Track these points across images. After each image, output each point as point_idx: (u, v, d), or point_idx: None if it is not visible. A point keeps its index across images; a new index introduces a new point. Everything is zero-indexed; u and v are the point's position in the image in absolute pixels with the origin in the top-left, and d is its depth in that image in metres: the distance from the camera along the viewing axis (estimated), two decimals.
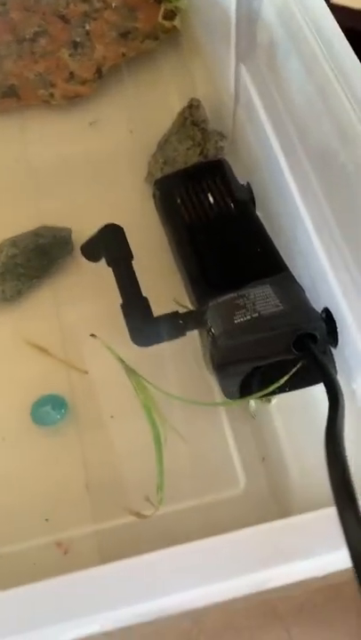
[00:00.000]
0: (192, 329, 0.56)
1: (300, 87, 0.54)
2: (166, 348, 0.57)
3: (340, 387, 0.46)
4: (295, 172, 0.57)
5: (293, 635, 0.56)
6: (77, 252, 0.64)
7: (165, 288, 0.61)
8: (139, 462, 0.57)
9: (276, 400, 0.59)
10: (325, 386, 0.47)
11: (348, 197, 0.50)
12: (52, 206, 0.70)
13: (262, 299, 0.54)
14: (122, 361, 0.55)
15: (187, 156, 0.68)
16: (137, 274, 0.58)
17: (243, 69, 0.64)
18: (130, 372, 0.54)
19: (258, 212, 0.63)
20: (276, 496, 0.56)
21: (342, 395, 0.45)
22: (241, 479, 0.57)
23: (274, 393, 0.53)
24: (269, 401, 0.58)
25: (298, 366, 0.52)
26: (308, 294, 0.56)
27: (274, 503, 0.55)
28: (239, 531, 0.43)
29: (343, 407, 0.44)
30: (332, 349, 0.54)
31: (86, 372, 0.61)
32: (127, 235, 0.60)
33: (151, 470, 0.53)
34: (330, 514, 0.34)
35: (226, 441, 0.58)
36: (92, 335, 0.56)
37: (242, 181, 0.65)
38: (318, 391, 0.55)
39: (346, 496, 0.33)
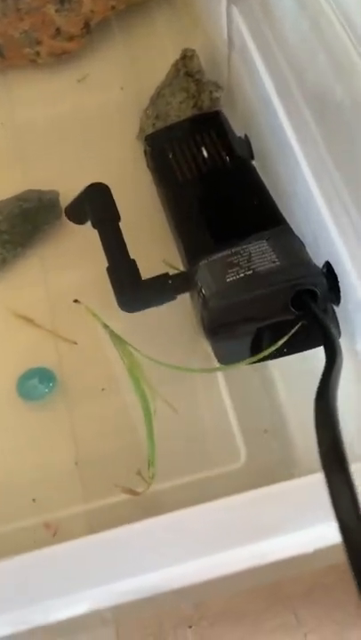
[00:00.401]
0: (183, 291, 0.52)
1: (294, 23, 0.50)
2: (157, 314, 0.53)
3: (339, 346, 0.42)
4: (292, 116, 0.52)
5: (301, 617, 0.52)
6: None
7: (158, 251, 0.57)
8: (132, 437, 0.53)
9: (278, 365, 0.54)
10: (324, 343, 0.42)
11: (346, 137, 0.46)
12: (39, 170, 0.65)
13: (258, 255, 0.49)
14: (106, 327, 0.51)
15: (180, 110, 0.64)
16: (127, 236, 0.54)
17: (235, 11, 0.59)
18: (115, 338, 0.50)
19: (256, 166, 0.58)
20: (279, 470, 0.51)
21: (341, 355, 0.41)
22: (242, 452, 0.52)
23: (271, 357, 0.49)
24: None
25: (297, 327, 0.47)
26: (308, 250, 0.51)
27: (277, 478, 0.51)
28: (236, 496, 0.38)
29: (340, 367, 0.39)
30: (335, 308, 0.49)
31: (75, 343, 0.57)
32: (118, 196, 0.56)
33: (144, 446, 0.49)
34: None
35: (225, 412, 0.54)
36: (76, 301, 0.52)
37: (239, 134, 0.61)
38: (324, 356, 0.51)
39: (335, 460, 0.29)
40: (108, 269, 0.52)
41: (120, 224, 0.54)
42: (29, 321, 0.58)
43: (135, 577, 0.36)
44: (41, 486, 0.52)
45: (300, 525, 0.34)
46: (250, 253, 0.49)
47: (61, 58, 0.71)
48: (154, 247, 0.57)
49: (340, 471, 0.28)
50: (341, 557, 0.41)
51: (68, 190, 0.59)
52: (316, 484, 0.31)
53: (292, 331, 0.47)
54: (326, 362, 0.40)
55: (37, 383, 0.55)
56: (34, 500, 0.52)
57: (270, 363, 0.54)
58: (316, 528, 0.34)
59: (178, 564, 0.35)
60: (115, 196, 0.55)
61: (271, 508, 0.35)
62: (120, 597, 0.38)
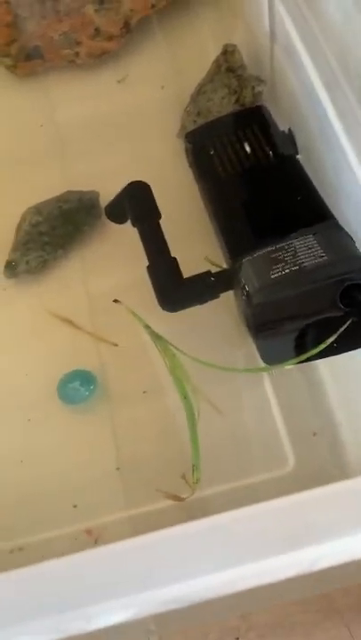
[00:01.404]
0: (226, 290, 0.50)
1: (338, 4, 0.48)
2: (199, 314, 0.51)
3: None
4: (337, 104, 0.50)
5: (355, 631, 0.49)
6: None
7: (200, 250, 0.55)
8: (175, 441, 0.51)
9: (327, 365, 0.52)
10: None
11: None
12: (79, 171, 0.64)
13: (304, 250, 0.47)
14: (147, 327, 0.49)
15: (222, 106, 0.62)
16: (168, 234, 0.52)
17: (276, 2, 0.57)
18: (156, 337, 0.49)
19: (301, 160, 0.56)
20: (330, 475, 0.49)
21: None
22: (290, 456, 0.50)
23: (319, 356, 0.47)
24: None
25: (347, 323, 0.45)
26: (358, 244, 0.49)
27: (328, 482, 0.49)
28: (284, 498, 0.35)
29: None
30: None
31: (116, 345, 0.55)
32: (159, 194, 0.54)
33: (188, 450, 0.48)
34: None
35: (271, 414, 0.52)
36: (116, 301, 0.50)
37: (283, 128, 0.59)
38: None
39: None
40: (149, 268, 0.51)
41: (161, 222, 0.53)
42: (70, 323, 0.57)
43: (178, 583, 0.34)
44: (82, 492, 0.51)
45: (353, 530, 0.31)
46: (295, 249, 0.47)
47: (101, 58, 0.70)
48: (196, 245, 0.56)
49: None
50: None
51: (109, 191, 0.58)
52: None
53: (342, 328, 0.45)
54: None
55: (78, 386, 0.54)
56: (75, 506, 0.50)
57: (318, 362, 0.52)
58: None
59: (222, 570, 0.33)
60: (156, 195, 0.54)
61: (322, 511, 0.33)
62: (162, 605, 0.36)
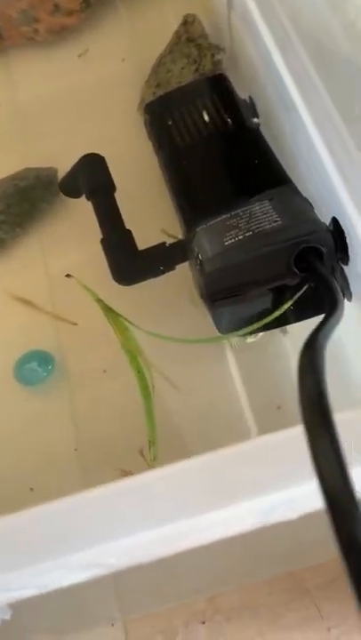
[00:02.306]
0: (181, 261, 0.49)
1: None
2: (159, 290, 0.49)
3: (341, 300, 0.38)
4: (293, 70, 0.48)
5: (325, 611, 0.47)
6: None
7: (159, 223, 0.53)
8: (134, 420, 0.49)
9: (291, 337, 0.50)
10: (325, 296, 0.38)
11: (348, 79, 0.42)
12: (40, 149, 0.63)
13: (260, 216, 0.45)
14: (99, 300, 0.48)
15: (181, 76, 0.60)
16: (127, 209, 0.50)
17: None
18: (108, 311, 0.47)
19: (261, 128, 0.54)
20: None
21: (341, 309, 0.37)
22: (253, 431, 0.48)
23: (278, 324, 0.45)
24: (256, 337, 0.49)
25: (304, 289, 0.43)
26: (316, 210, 0.47)
27: None
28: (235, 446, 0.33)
29: (336, 321, 0.35)
30: (345, 269, 0.45)
31: (75, 324, 0.54)
32: (120, 169, 0.53)
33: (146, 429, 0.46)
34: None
35: (234, 388, 0.50)
36: (68, 275, 0.49)
37: (244, 96, 0.57)
38: (341, 330, 0.47)
39: (319, 418, 0.25)
40: (102, 241, 0.49)
41: (119, 196, 0.51)
42: (28, 303, 0.55)
43: (128, 536, 0.32)
44: (39, 475, 0.49)
45: (289, 482, 0.29)
46: (250, 215, 0.46)
47: (61, 34, 0.68)
48: (155, 219, 0.54)
49: (323, 425, 0.24)
50: None
51: (69, 167, 0.56)
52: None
53: (299, 293, 0.43)
54: (325, 315, 0.36)
55: (36, 367, 0.52)
56: (31, 489, 0.48)
57: (282, 336, 0.50)
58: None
59: (170, 523, 0.31)
60: (116, 170, 0.52)
61: (259, 463, 0.30)
62: (117, 560, 0.34)
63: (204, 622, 0.48)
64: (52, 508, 0.33)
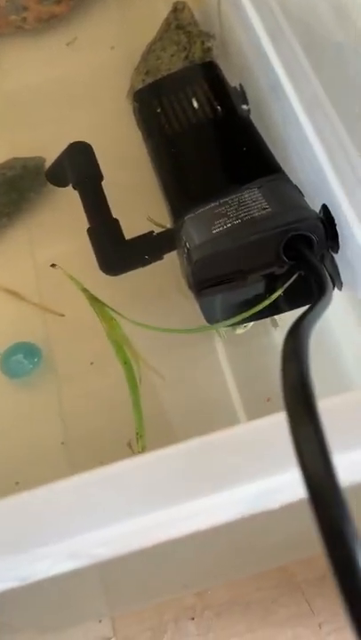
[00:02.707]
0: (169, 250, 0.48)
1: None
2: (148, 281, 0.49)
3: (330, 288, 0.37)
4: (283, 56, 0.47)
5: (316, 607, 0.46)
6: None
7: (147, 213, 0.52)
8: (122, 413, 0.48)
9: (281, 329, 0.49)
10: (316, 287, 0.37)
11: (339, 67, 0.41)
12: (28, 138, 0.62)
13: (249, 203, 0.44)
14: (85, 290, 0.47)
15: (171, 63, 0.59)
16: (115, 198, 0.49)
17: None
18: (93, 301, 0.46)
19: (251, 116, 0.53)
20: None
21: (329, 297, 0.36)
22: (242, 422, 0.47)
23: (268, 314, 0.44)
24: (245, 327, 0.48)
25: (294, 277, 0.42)
26: (306, 198, 0.46)
27: None
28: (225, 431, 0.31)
29: (323, 307, 0.34)
30: (335, 257, 0.44)
31: (63, 316, 0.53)
32: (109, 158, 0.51)
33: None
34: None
35: (224, 380, 0.49)
36: (53, 265, 0.48)
37: (234, 84, 0.56)
38: (332, 318, 0.46)
39: (302, 406, 0.24)
40: (89, 230, 0.48)
41: (107, 185, 0.50)
42: (14, 294, 0.54)
43: (109, 526, 0.30)
44: (25, 469, 0.48)
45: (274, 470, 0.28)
46: (239, 203, 0.45)
47: (50, 22, 0.67)
48: (144, 209, 0.53)
49: (306, 413, 0.23)
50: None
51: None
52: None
53: (289, 282, 0.42)
54: (312, 303, 0.35)
55: (22, 359, 0.51)
56: (17, 483, 0.47)
57: (271, 327, 0.49)
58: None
59: (151, 512, 0.30)
60: (105, 159, 0.51)
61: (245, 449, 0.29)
62: (99, 551, 0.33)
63: (193, 618, 0.47)
64: (30, 496, 0.32)
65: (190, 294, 0.46)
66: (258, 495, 0.27)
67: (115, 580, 0.49)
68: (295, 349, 0.26)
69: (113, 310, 0.46)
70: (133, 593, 0.48)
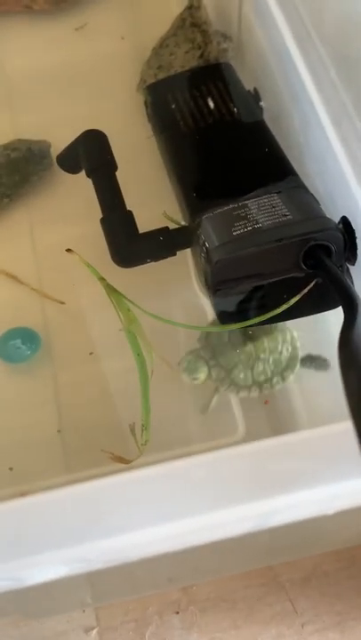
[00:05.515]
0: (183, 247, 0.48)
1: None
2: (156, 272, 0.49)
3: (357, 296, 0.38)
4: (309, 61, 0.48)
5: (300, 607, 0.47)
6: (57, 168, 0.55)
7: (157, 205, 0.52)
8: (120, 405, 0.49)
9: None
10: (340, 296, 0.38)
11: None
12: (31, 121, 0.61)
13: (268, 209, 0.45)
14: (102, 279, 0.46)
15: (185, 60, 0.59)
16: (124, 188, 0.49)
17: None
18: (111, 291, 0.46)
19: (266, 119, 0.54)
20: None
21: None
22: (240, 424, 0.48)
23: (278, 319, 0.45)
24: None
25: (311, 285, 0.43)
26: (323, 207, 0.47)
27: None
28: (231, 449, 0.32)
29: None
30: (351, 268, 0.45)
31: (63, 303, 0.52)
32: (115, 148, 0.51)
33: (134, 414, 0.45)
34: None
35: None
36: (69, 250, 0.47)
37: (248, 87, 0.56)
38: (332, 318, 0.47)
39: None
40: (102, 220, 0.48)
41: (117, 175, 0.50)
42: (13, 277, 0.53)
43: (112, 537, 0.31)
44: (19, 455, 0.48)
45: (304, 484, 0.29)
46: (259, 207, 0.45)
47: (60, 5, 0.66)
48: (153, 201, 0.53)
49: None
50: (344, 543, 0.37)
51: (61, 142, 0.55)
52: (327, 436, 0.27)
53: (306, 289, 0.43)
54: (346, 314, 0.36)
55: (20, 344, 0.50)
56: (11, 468, 0.47)
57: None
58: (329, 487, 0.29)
59: (156, 525, 0.30)
60: (112, 148, 0.51)
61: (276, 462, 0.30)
62: (97, 560, 0.33)
63: (178, 612, 0.47)
64: (39, 500, 0.31)
65: (202, 292, 0.47)
66: (320, 500, 0.28)
67: (100, 573, 0.49)
68: (352, 358, 0.27)
69: (130, 301, 0.46)
70: (119, 584, 0.48)
